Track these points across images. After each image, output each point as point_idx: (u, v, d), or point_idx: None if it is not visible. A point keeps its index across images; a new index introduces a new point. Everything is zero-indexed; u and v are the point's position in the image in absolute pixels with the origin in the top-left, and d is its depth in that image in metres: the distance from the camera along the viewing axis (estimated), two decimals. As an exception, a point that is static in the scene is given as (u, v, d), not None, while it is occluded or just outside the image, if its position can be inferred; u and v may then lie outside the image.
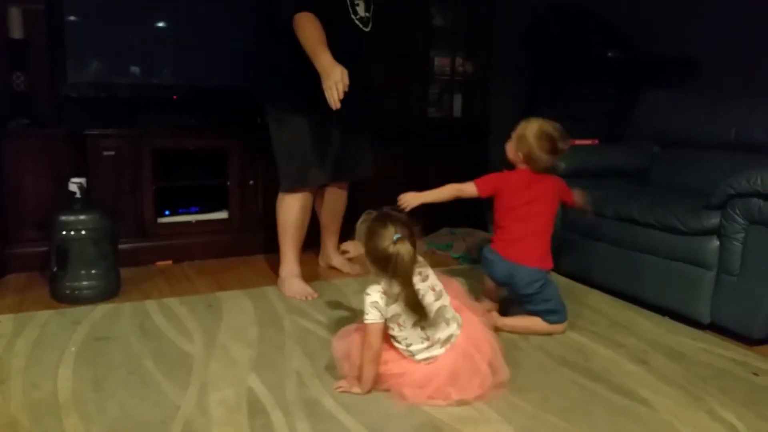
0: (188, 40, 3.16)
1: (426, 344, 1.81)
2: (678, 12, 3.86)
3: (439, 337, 1.81)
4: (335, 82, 2.21)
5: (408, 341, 1.81)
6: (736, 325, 2.30)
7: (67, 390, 1.79)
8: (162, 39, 3.15)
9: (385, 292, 1.76)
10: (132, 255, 2.99)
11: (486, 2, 3.95)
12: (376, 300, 1.75)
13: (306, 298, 2.62)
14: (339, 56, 2.41)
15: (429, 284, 1.83)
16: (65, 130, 2.95)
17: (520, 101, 4.38)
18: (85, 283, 2.52)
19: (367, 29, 2.60)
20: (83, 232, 2.51)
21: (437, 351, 1.81)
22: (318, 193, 2.88)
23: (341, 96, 2.21)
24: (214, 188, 3.28)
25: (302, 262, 2.81)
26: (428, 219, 3.78)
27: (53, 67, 3.01)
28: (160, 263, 3.10)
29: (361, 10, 2.57)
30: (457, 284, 2.08)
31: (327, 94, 2.22)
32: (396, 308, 1.77)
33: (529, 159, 2.35)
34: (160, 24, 3.14)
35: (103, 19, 2.98)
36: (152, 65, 3.13)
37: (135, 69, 3.11)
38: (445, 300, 1.86)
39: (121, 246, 2.77)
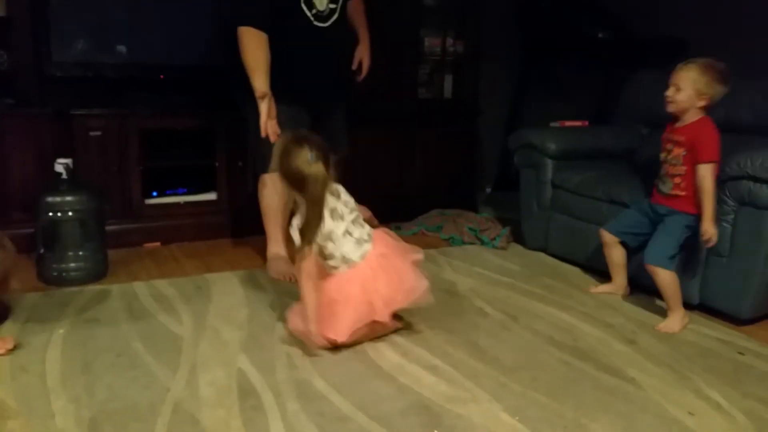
0: (175, 19, 3.10)
1: (357, 246, 1.96)
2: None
3: (364, 237, 1.98)
4: (262, 113, 2.38)
5: (342, 251, 1.95)
6: (725, 305, 2.32)
7: (56, 372, 1.78)
8: (149, 17, 3.09)
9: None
10: (119, 236, 2.97)
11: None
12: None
13: (290, 279, 2.61)
14: (295, 52, 2.49)
15: (343, 200, 1.98)
16: (50, 110, 2.91)
17: (510, 82, 4.37)
18: (72, 264, 2.50)
19: (326, 24, 2.56)
20: (70, 214, 2.49)
21: (367, 246, 1.97)
22: None
23: (271, 130, 2.39)
24: (203, 169, 3.25)
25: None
26: (419, 200, 3.82)
27: (37, 46, 2.95)
28: (148, 245, 3.08)
29: (320, 4, 2.52)
30: (386, 234, 2.12)
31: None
32: (327, 225, 1.91)
33: (711, 101, 2.26)
34: (147, 2, 3.08)
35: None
36: (139, 44, 3.08)
37: (121, 48, 3.05)
38: (359, 217, 2.01)
39: (108, 227, 2.75)
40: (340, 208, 1.96)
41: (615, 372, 1.89)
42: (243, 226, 3.28)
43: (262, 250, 2.95)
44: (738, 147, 2.33)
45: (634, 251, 2.50)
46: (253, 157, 2.68)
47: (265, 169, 2.62)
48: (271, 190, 2.65)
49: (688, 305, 2.41)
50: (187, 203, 3.22)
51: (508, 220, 3.49)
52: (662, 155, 2.38)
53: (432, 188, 3.83)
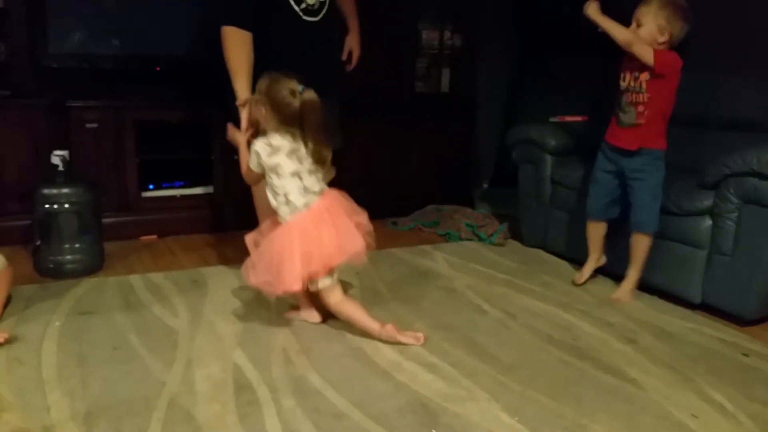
0: (172, 11, 3.07)
1: (303, 193, 1.95)
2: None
3: (315, 189, 1.98)
4: (243, 121, 2.32)
5: (285, 191, 1.94)
6: (728, 305, 2.30)
7: (51, 365, 1.76)
8: (146, 9, 3.06)
9: (269, 144, 1.93)
10: (116, 229, 2.94)
11: (475, -26, 3.89)
12: (258, 150, 1.94)
13: None
14: (284, 48, 2.44)
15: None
16: (47, 101, 2.88)
17: (508, 76, 4.34)
18: (68, 257, 2.48)
19: (316, 18, 2.52)
20: (66, 206, 2.46)
21: (313, 198, 1.97)
22: None
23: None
24: (199, 162, 3.23)
25: None
26: (415, 195, 3.79)
27: (34, 37, 2.92)
28: (144, 238, 3.06)
29: None
30: (340, 195, 2.10)
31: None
32: (276, 159, 1.93)
33: (672, 38, 2.28)
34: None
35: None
36: (136, 36, 3.05)
37: (118, 40, 3.02)
38: (317, 171, 2.02)
39: (104, 220, 2.73)
40: (303, 151, 1.97)
41: (615, 372, 1.87)
42: (239, 219, 3.24)
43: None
44: (742, 144, 2.31)
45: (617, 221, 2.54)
46: None
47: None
48: (262, 186, 2.63)
49: (689, 305, 2.40)
50: (183, 196, 3.20)
51: (505, 216, 3.46)
52: (622, 84, 2.39)
53: (429, 183, 3.81)
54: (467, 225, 3.35)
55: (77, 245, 2.49)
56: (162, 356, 1.83)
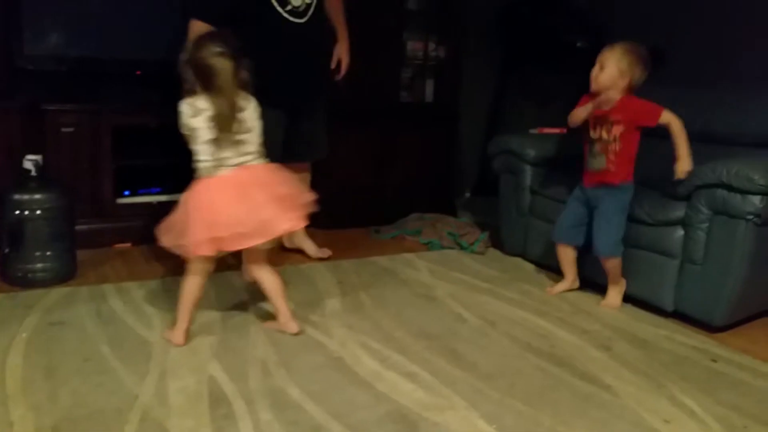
0: (152, 14, 3.04)
1: (216, 162, 1.95)
2: (646, 2, 3.88)
3: (232, 162, 1.96)
4: None
5: (200, 156, 1.96)
6: (699, 312, 2.33)
7: (16, 379, 1.71)
8: (126, 12, 3.02)
9: (192, 105, 1.95)
10: (89, 236, 2.88)
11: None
12: (182, 110, 1.97)
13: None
14: (269, 51, 2.43)
15: (241, 116, 1.97)
16: (21, 103, 2.83)
17: (491, 87, 4.37)
18: (39, 265, 2.43)
19: (302, 20, 2.52)
20: (38, 212, 2.42)
21: (228, 169, 1.96)
22: None
23: None
24: (177, 168, 3.18)
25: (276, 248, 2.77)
26: (398, 204, 3.79)
27: (8, 38, 2.86)
28: (118, 245, 3.01)
29: (295, 0, 2.48)
30: (268, 171, 2.10)
31: None
32: (196, 123, 1.94)
33: (631, 82, 2.40)
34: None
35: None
36: (115, 39, 3.00)
37: (97, 42, 2.98)
38: (251, 140, 2.01)
39: (78, 227, 2.68)
40: (250, 116, 2.00)
41: (591, 379, 1.88)
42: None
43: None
44: (712, 156, 2.35)
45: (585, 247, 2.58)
46: None
47: None
48: None
49: (662, 312, 2.43)
50: (160, 203, 3.15)
51: (486, 224, 3.48)
52: (593, 135, 2.48)
53: (411, 192, 3.81)
54: (449, 234, 3.36)
55: (48, 253, 2.44)
56: (135, 368, 1.80)
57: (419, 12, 3.84)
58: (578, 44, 3.83)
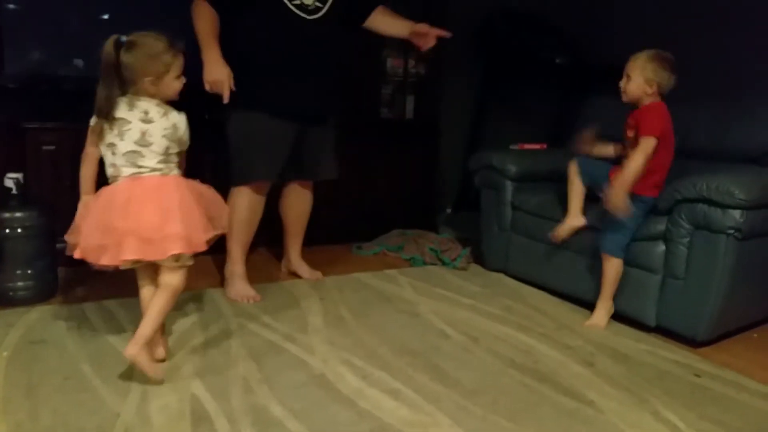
0: (134, 32, 3.03)
1: (112, 171, 1.86)
2: (624, 18, 3.95)
3: (124, 173, 1.84)
4: (210, 82, 2.35)
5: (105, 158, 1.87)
6: (681, 327, 2.35)
7: (-4, 398, 1.69)
8: (107, 30, 3.00)
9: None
10: (70, 255, 2.85)
11: (437, 4, 3.95)
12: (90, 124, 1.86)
13: (248, 300, 2.57)
14: (277, 46, 2.42)
15: (140, 126, 1.83)
16: (1, 122, 2.81)
17: (471, 104, 4.41)
18: (20, 283, 2.40)
19: (314, 17, 2.49)
20: (19, 230, 2.39)
21: (121, 179, 1.85)
22: (282, 193, 2.83)
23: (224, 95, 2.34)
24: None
25: (261, 263, 2.81)
26: (380, 220, 3.80)
27: (-12, 56, 2.86)
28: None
29: None
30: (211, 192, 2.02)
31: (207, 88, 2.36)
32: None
33: (660, 88, 2.40)
34: (105, 16, 3.02)
35: (44, 8, 2.85)
36: (96, 57, 2.99)
37: (78, 60, 2.98)
38: (149, 154, 1.84)
39: (59, 245, 2.64)
40: (137, 126, 1.82)
41: (574, 395, 1.89)
42: (200, 245, 3.20)
43: (219, 269, 2.89)
44: (693, 171, 2.39)
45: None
46: (229, 169, 2.61)
47: (236, 182, 2.59)
48: (240, 205, 2.59)
49: (644, 327, 2.45)
50: (142, 221, 3.14)
51: (468, 240, 3.50)
52: (625, 141, 2.50)
53: (393, 208, 3.83)
54: (431, 249, 3.37)
55: (29, 271, 2.42)
56: (116, 386, 1.78)
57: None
58: (557, 61, 3.89)
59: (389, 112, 3.98)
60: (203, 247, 1.88)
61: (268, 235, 3.16)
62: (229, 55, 2.42)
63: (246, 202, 2.60)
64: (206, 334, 2.20)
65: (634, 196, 2.36)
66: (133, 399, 1.72)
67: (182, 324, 2.28)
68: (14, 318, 2.24)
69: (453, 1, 3.99)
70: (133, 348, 1.75)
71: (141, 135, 1.82)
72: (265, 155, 2.55)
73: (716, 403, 1.89)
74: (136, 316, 2.28)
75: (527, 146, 3.39)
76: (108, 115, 1.82)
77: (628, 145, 2.44)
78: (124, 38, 1.82)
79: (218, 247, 2.83)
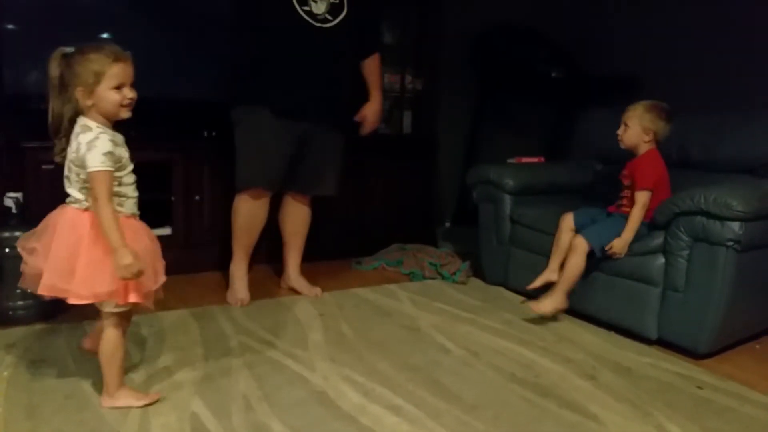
0: (131, 49, 3.04)
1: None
2: (620, 32, 3.99)
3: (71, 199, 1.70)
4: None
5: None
6: (682, 340, 2.35)
7: (-3, 418, 1.68)
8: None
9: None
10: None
11: (434, 20, 3.99)
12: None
13: (237, 303, 2.66)
14: (285, 49, 2.49)
15: (78, 145, 1.65)
16: (1, 141, 2.82)
17: (468, 118, 4.43)
18: (20, 302, 2.39)
19: (326, 25, 2.54)
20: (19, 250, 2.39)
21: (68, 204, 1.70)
22: (281, 204, 2.86)
23: None
24: (158, 203, 3.18)
25: (261, 280, 2.85)
26: (379, 235, 3.80)
27: (-12, 77, 2.87)
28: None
29: (317, 8, 2.51)
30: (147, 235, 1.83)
31: None
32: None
33: (656, 137, 2.55)
34: (103, 35, 3.04)
35: (42, 28, 2.86)
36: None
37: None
38: (73, 178, 1.68)
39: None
40: (74, 145, 1.66)
41: (577, 408, 1.88)
42: (198, 261, 3.20)
43: (219, 285, 2.89)
44: (690, 183, 2.40)
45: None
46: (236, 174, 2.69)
47: (238, 188, 2.66)
48: (240, 211, 2.68)
49: (646, 340, 2.44)
50: (141, 238, 3.14)
51: (467, 254, 3.50)
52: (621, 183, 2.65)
53: (392, 223, 3.83)
54: (430, 264, 3.37)
55: (29, 290, 2.41)
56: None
57: (395, 45, 3.92)
58: (553, 74, 3.91)
59: (387, 128, 3.99)
60: (106, 298, 1.67)
61: (268, 251, 3.17)
62: (241, 56, 2.58)
63: (246, 207, 2.68)
64: (206, 351, 2.20)
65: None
66: (134, 418, 1.71)
67: (183, 341, 2.27)
68: (14, 337, 2.23)
69: (449, 16, 4.03)
70: (105, 401, 1.75)
71: (65, 158, 1.69)
72: (264, 163, 2.61)
73: (719, 415, 1.89)
74: (136, 334, 2.29)
75: (525, 160, 3.41)
76: (57, 134, 1.69)
77: (623, 189, 2.62)
78: (69, 49, 1.68)
79: (220, 265, 2.86)
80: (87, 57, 1.64)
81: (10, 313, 2.38)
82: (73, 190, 1.69)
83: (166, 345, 2.24)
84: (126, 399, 1.76)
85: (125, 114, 1.73)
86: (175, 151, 3.14)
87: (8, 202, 2.45)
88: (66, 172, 1.70)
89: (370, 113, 2.86)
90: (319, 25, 2.53)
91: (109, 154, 1.64)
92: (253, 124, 2.59)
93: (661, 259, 2.40)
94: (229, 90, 2.68)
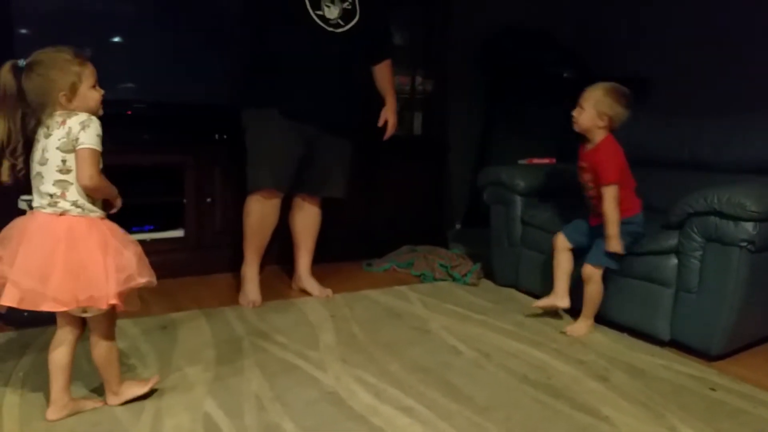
0: (143, 55, 3.09)
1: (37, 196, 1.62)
2: (632, 33, 3.97)
3: (34, 202, 1.62)
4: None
5: None
6: (695, 341, 2.33)
7: (14, 418, 1.70)
8: (116, 53, 3.07)
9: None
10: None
11: (444, 22, 3.99)
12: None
13: (249, 305, 2.68)
14: (297, 51, 2.51)
15: (60, 135, 1.58)
16: (14, 144, 2.85)
17: (479, 119, 4.43)
18: (33, 304, 2.41)
19: (338, 30, 2.56)
20: (32, 251, 2.41)
21: (38, 210, 1.61)
22: (291, 205, 2.88)
23: None
24: (170, 206, 3.20)
25: (272, 281, 2.85)
26: (389, 236, 3.80)
27: None
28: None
29: (329, 12, 2.53)
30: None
31: None
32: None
33: (612, 123, 2.40)
34: (115, 39, 3.07)
35: (55, 33, 2.89)
36: (105, 79, 3.03)
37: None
38: (47, 177, 1.59)
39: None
40: (42, 144, 1.60)
41: (589, 410, 1.88)
42: (211, 263, 3.22)
43: (231, 287, 2.91)
44: (703, 184, 2.39)
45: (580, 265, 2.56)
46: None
47: (249, 189, 2.68)
48: (251, 211, 2.71)
49: (658, 341, 2.43)
50: (153, 240, 3.16)
51: (478, 256, 3.49)
52: (580, 181, 2.54)
53: (402, 224, 3.83)
54: (441, 265, 3.37)
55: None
56: (130, 406, 1.78)
57: (405, 47, 3.92)
58: (565, 75, 3.90)
59: (397, 129, 3.98)
60: (91, 304, 1.60)
61: (279, 252, 3.18)
62: (252, 59, 2.62)
63: (257, 209, 2.70)
64: (218, 352, 2.21)
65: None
66: (147, 418, 1.72)
67: (195, 342, 2.28)
68: (30, 338, 2.25)
69: (459, 18, 4.03)
70: (112, 399, 1.76)
71: (41, 152, 1.60)
72: (273, 164, 2.63)
73: (732, 417, 1.87)
74: (149, 335, 2.30)
75: (536, 161, 3.40)
76: (14, 153, 1.57)
77: (586, 183, 2.49)
78: (22, 62, 1.59)
79: (232, 267, 2.87)
80: (60, 60, 1.60)
81: (25, 314, 2.39)
82: (46, 186, 1.59)
83: (178, 346, 2.25)
84: (130, 390, 1.77)
85: (101, 112, 1.70)
86: (187, 155, 3.16)
87: (22, 205, 2.46)
88: (33, 173, 1.62)
89: (391, 114, 2.88)
90: (331, 29, 2.55)
91: (101, 137, 1.61)
92: (263, 126, 2.62)
93: (674, 260, 2.38)
94: (240, 93, 2.70)
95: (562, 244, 2.61)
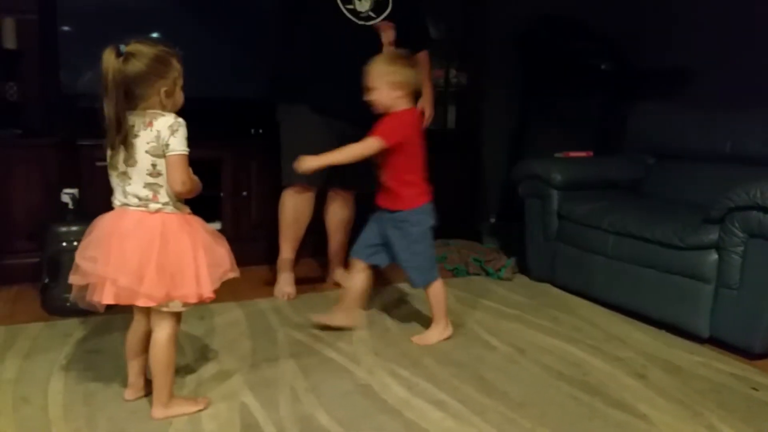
0: (184, 50, 3.13)
1: (115, 197, 1.65)
2: (671, 23, 3.87)
3: (117, 201, 1.65)
4: None
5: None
6: (736, 339, 2.28)
7: (58, 404, 1.75)
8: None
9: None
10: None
11: (478, 14, 3.96)
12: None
13: (283, 297, 2.72)
14: (328, 46, 2.52)
15: (145, 141, 1.59)
16: (57, 140, 2.93)
17: (514, 112, 4.39)
18: (76, 294, 2.48)
19: (369, 23, 2.57)
20: (75, 243, 2.43)
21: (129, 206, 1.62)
22: (326, 200, 2.91)
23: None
24: (208, 199, 3.24)
25: (307, 273, 2.89)
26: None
27: (46, 77, 2.99)
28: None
29: (360, 6, 2.54)
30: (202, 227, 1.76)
31: None
32: None
33: (408, 87, 2.19)
34: (154, 34, 3.12)
35: (97, 29, 2.96)
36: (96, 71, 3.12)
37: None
38: (136, 178, 1.60)
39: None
40: (149, 136, 1.58)
41: (625, 407, 1.85)
42: (247, 255, 3.25)
43: (267, 279, 2.94)
44: (746, 177, 2.32)
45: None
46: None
47: (283, 183, 2.72)
48: (286, 205, 2.75)
49: (697, 339, 2.38)
50: (191, 233, 3.22)
51: (512, 250, 3.46)
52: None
53: (436, 218, 3.81)
54: (475, 260, 3.35)
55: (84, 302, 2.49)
56: (169, 395, 1.82)
57: (439, 39, 3.89)
58: (602, 66, 3.83)
59: (431, 123, 3.97)
60: (185, 299, 1.63)
61: (315, 245, 3.21)
62: (285, 55, 2.65)
63: (291, 203, 2.74)
64: (254, 343, 2.24)
65: (411, 213, 2.29)
66: (185, 407, 1.76)
67: (231, 333, 2.32)
68: (72, 328, 2.32)
69: (493, 9, 3.99)
70: (158, 411, 1.68)
71: (127, 152, 1.60)
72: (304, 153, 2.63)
73: (776, 417, 1.83)
74: (188, 326, 2.34)
75: (573, 154, 3.35)
76: (125, 139, 1.58)
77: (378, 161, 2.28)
78: (123, 47, 1.57)
79: (267, 259, 2.90)
80: (163, 54, 1.61)
81: (68, 305, 2.46)
82: (134, 188, 1.61)
83: (215, 337, 2.29)
84: (179, 407, 1.71)
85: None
86: (224, 149, 3.21)
87: (65, 198, 2.55)
88: (119, 171, 1.62)
89: (428, 105, 2.88)
90: (362, 23, 2.56)
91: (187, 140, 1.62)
92: (295, 121, 2.66)
93: (714, 256, 2.33)
94: (274, 88, 2.74)
95: (357, 265, 2.37)
